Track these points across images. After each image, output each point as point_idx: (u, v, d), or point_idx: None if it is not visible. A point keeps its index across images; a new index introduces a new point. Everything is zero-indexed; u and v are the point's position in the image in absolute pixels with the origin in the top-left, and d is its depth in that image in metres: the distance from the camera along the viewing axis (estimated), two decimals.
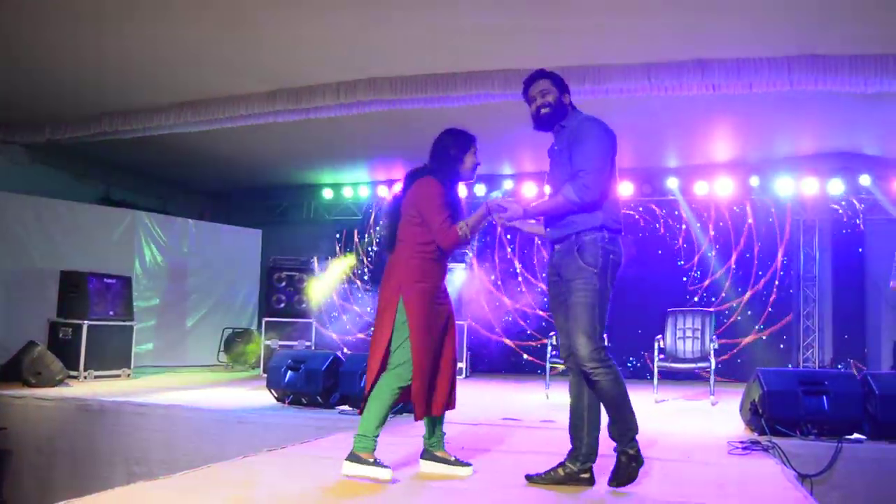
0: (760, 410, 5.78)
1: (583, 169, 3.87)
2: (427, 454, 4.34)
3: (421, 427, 4.37)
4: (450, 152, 4.30)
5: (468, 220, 4.15)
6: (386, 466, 4.02)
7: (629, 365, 12.10)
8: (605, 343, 3.92)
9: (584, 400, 4.06)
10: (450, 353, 4.22)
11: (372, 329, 4.20)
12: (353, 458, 4.03)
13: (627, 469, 3.96)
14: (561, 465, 4.10)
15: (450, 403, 4.23)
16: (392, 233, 4.22)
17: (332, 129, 10.26)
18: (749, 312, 11.92)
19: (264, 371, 10.22)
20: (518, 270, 12.99)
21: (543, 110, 4.16)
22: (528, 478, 4.14)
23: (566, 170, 3.96)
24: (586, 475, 4.06)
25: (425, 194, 4.16)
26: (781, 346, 11.76)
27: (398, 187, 4.44)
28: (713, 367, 8.49)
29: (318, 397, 6.96)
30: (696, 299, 12.08)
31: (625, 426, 3.95)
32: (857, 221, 11.69)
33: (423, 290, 4.07)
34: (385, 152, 11.90)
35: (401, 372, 4.03)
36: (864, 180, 11.23)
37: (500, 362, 12.76)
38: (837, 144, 10.85)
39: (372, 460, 4.01)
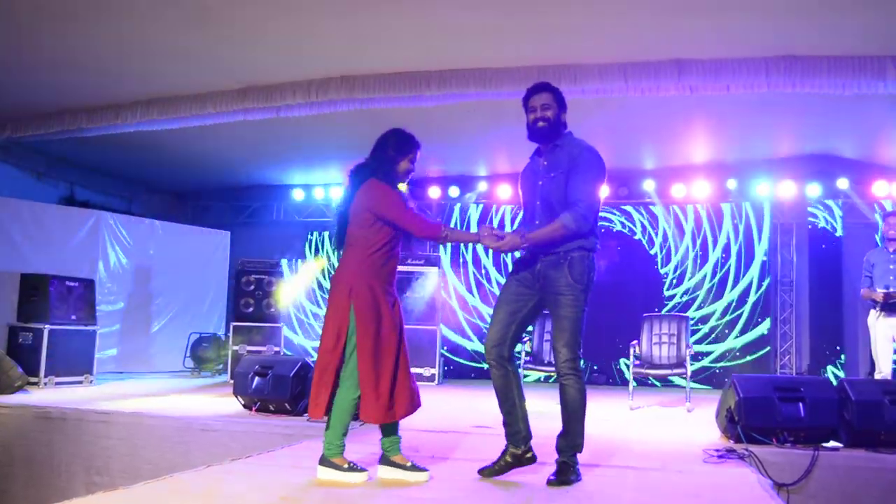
0: (736, 417, 5.80)
1: (582, 200, 4.17)
2: (384, 459, 4.37)
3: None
4: (388, 152, 4.38)
5: (455, 232, 4.41)
6: (361, 470, 4.19)
7: (597, 371, 12.16)
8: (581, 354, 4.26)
9: (514, 391, 4.34)
10: (405, 355, 4.28)
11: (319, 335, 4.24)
12: (326, 463, 4.18)
13: (567, 473, 4.24)
14: (505, 452, 4.37)
15: (413, 406, 4.28)
16: (341, 235, 4.32)
17: (304, 128, 10.21)
18: (726, 317, 12.02)
19: (231, 377, 10.13)
20: (490, 275, 13.00)
21: (541, 123, 4.36)
22: (480, 471, 4.38)
23: (561, 192, 4.23)
24: (529, 454, 4.37)
25: (378, 196, 4.24)
26: (759, 351, 11.86)
27: (342, 189, 4.46)
28: (689, 373, 8.54)
29: (287, 404, 6.90)
30: (672, 304, 12.15)
31: (573, 440, 4.26)
32: (835, 225, 11.82)
33: (375, 294, 4.17)
34: (357, 152, 11.62)
35: (356, 382, 4.12)
36: (842, 183, 11.36)
37: (472, 368, 12.76)
38: (815, 147, 10.97)
39: (346, 465, 4.17)
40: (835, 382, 6.23)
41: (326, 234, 13.91)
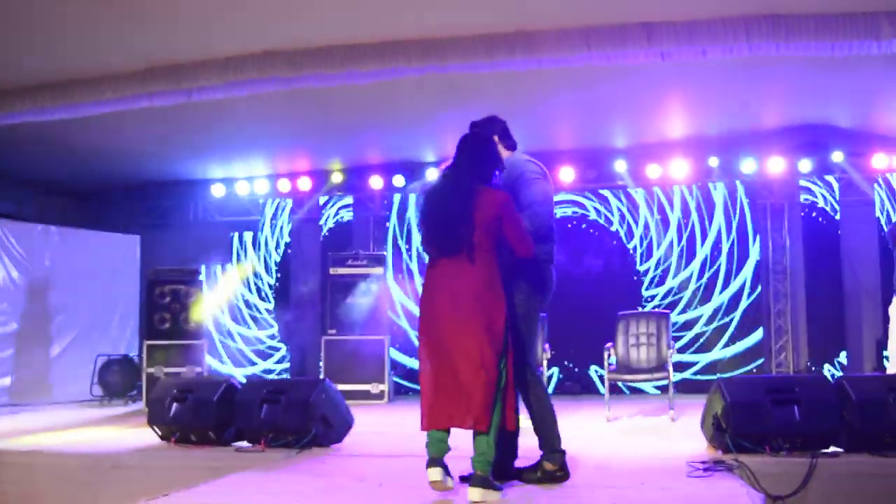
0: (724, 425, 5.90)
1: None
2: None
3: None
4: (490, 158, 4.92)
5: None
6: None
7: (568, 379, 12.31)
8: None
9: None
10: None
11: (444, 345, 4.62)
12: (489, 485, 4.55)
13: (548, 477, 4.94)
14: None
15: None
16: (462, 237, 4.62)
17: (222, 113, 10.16)
18: (713, 313, 12.23)
19: (147, 405, 10.05)
20: None
21: None
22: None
23: None
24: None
25: (511, 208, 4.73)
26: (751, 349, 12.09)
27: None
28: (671, 377, 8.68)
29: (211, 433, 6.88)
30: (649, 300, 12.34)
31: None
32: (831, 203, 12.07)
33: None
34: (286, 140, 11.85)
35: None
36: (837, 157, 11.59)
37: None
38: (806, 117, 11.16)
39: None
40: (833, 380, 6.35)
41: (251, 235, 13.87)
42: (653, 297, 12.44)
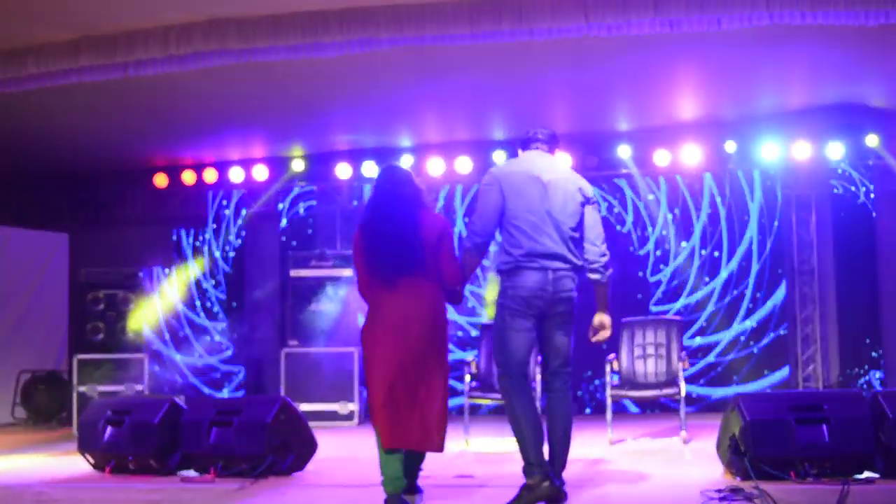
0: (742, 447, 5.95)
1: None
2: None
3: None
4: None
5: None
6: None
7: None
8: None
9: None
10: None
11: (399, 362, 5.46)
12: None
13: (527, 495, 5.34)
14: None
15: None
16: (417, 256, 5.54)
17: (165, 91, 10.10)
18: (731, 320, 12.32)
19: (78, 428, 10.01)
20: None
21: None
22: None
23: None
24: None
25: (450, 231, 5.79)
26: (774, 361, 12.17)
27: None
28: (683, 393, 8.71)
29: (152, 460, 6.87)
30: (657, 303, 12.39)
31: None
32: (866, 194, 12.14)
33: None
34: (240, 122, 11.79)
35: None
36: (872, 140, 11.60)
37: None
38: (836, 96, 11.19)
39: None
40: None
41: (198, 232, 13.80)
42: (660, 294, 12.53)
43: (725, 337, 12.36)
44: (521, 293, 5.50)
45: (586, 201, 5.71)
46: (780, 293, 12.28)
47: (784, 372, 12.15)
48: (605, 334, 5.93)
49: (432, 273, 5.56)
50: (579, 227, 5.67)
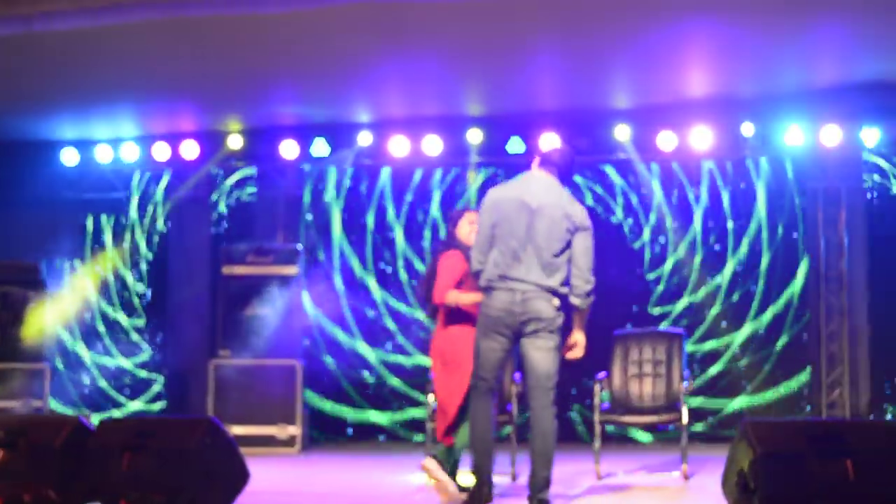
0: (752, 484, 5.96)
1: None
2: None
3: None
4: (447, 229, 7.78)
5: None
6: None
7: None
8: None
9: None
10: None
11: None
12: None
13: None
14: None
15: None
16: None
17: (76, 51, 10.05)
18: (744, 333, 12.40)
19: None
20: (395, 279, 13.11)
21: None
22: None
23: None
24: None
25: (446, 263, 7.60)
26: (793, 384, 12.24)
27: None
28: (685, 420, 8.71)
29: (51, 492, 6.82)
30: (656, 311, 12.47)
31: None
32: None
33: None
34: (166, 90, 11.74)
35: None
36: None
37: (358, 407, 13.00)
38: (873, 72, 11.24)
39: None
40: None
41: (114, 218, 13.74)
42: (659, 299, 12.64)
43: (736, 339, 12.46)
44: (491, 312, 6.66)
45: (575, 229, 6.61)
46: (797, 284, 12.38)
47: (804, 376, 12.26)
48: (576, 353, 6.96)
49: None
50: (564, 252, 6.61)
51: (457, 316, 7.48)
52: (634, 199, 12.82)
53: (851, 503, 5.94)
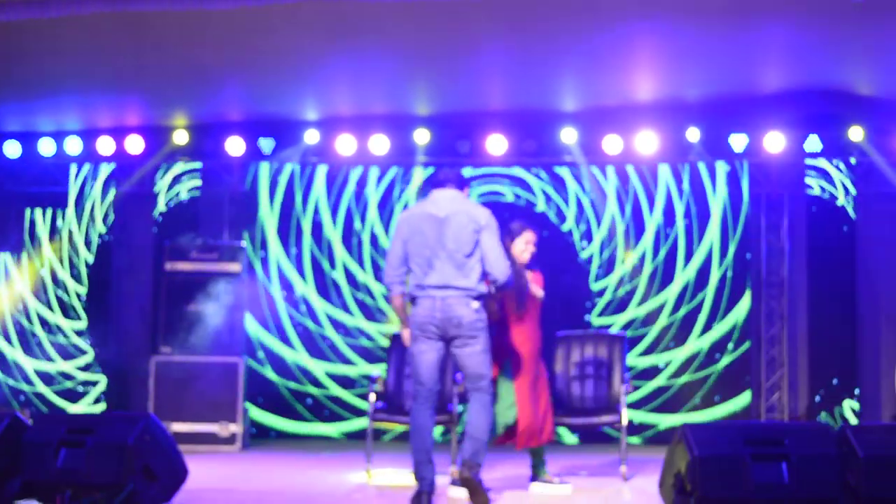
0: (688, 487, 5.99)
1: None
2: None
3: None
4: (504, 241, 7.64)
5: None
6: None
7: None
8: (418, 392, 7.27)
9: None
10: None
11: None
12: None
13: None
14: None
15: None
16: None
17: (18, 41, 9.96)
18: (685, 337, 12.51)
19: None
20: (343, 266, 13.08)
21: None
22: None
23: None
24: None
25: None
26: (733, 388, 12.40)
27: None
28: (625, 421, 8.77)
29: None
30: (601, 314, 12.51)
31: None
32: (846, 194, 12.34)
33: None
34: (111, 84, 11.66)
35: None
36: (856, 134, 11.75)
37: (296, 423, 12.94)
38: (818, 79, 11.30)
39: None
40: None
41: (55, 213, 13.61)
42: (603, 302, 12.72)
43: (678, 356, 12.55)
44: (416, 319, 7.19)
45: (481, 229, 7.16)
46: (744, 307, 12.48)
47: (745, 398, 12.34)
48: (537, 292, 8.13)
49: None
50: (475, 252, 7.15)
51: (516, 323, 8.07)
52: (587, 205, 12.89)
53: (786, 503, 6.00)
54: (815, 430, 6.55)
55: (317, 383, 12.93)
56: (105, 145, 12.96)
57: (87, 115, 12.91)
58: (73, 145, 13.13)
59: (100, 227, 13.62)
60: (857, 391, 12.14)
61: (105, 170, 13.54)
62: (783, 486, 6.00)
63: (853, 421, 11.99)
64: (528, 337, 8.14)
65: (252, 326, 12.72)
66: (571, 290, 12.71)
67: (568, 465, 9.72)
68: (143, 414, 7.27)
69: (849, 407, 12.18)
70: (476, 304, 7.11)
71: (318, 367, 12.98)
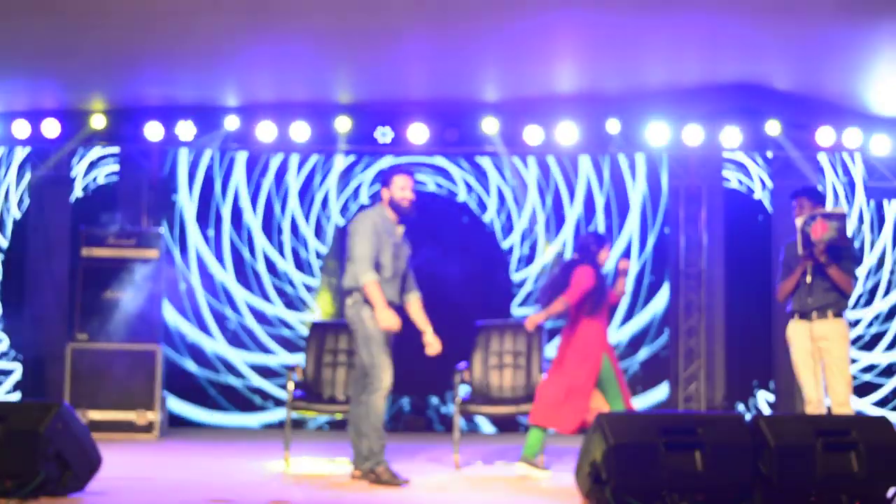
0: (604, 475, 6.06)
1: None
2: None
3: None
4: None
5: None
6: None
7: (408, 411, 12.47)
8: None
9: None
10: None
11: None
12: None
13: None
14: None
15: None
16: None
17: None
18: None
19: None
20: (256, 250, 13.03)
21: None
22: None
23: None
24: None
25: None
26: (652, 377, 12.54)
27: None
28: None
29: None
30: (521, 305, 12.58)
31: None
32: (762, 188, 12.52)
33: None
34: (26, 66, 11.51)
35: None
36: (773, 128, 11.92)
37: (215, 413, 12.89)
38: (735, 74, 11.42)
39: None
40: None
41: None
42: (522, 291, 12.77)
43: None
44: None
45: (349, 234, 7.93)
46: (663, 298, 12.63)
47: (663, 390, 12.48)
48: (432, 349, 8.08)
49: None
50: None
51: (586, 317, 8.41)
52: (509, 195, 12.95)
53: (699, 492, 6.09)
54: (729, 419, 6.65)
55: (236, 373, 12.87)
56: (20, 128, 12.75)
57: (1, 98, 12.72)
58: (19, 129, 12.92)
59: (15, 212, 13.42)
60: (771, 384, 12.31)
61: (20, 153, 13.33)
62: (696, 474, 6.09)
63: (767, 412, 12.19)
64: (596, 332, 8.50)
65: (170, 314, 12.61)
66: (492, 280, 12.74)
67: (486, 454, 9.78)
68: (55, 402, 7.20)
69: (763, 398, 12.35)
70: (349, 301, 7.82)
71: (238, 357, 12.91)
